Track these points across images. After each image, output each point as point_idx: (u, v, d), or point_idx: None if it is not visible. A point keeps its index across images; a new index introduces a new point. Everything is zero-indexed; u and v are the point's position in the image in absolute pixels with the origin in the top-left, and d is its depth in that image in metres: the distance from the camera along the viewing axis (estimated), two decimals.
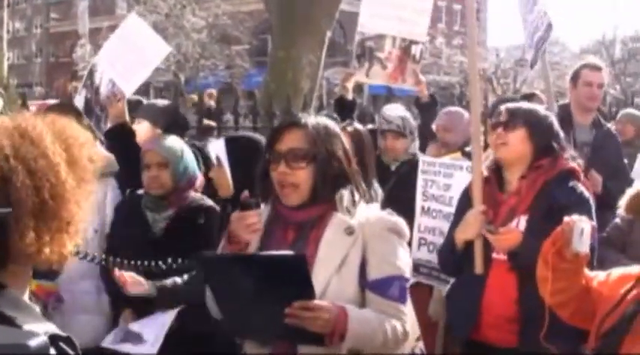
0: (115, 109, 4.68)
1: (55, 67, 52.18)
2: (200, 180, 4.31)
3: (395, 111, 5.90)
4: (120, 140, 4.60)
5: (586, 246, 2.90)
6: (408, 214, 4.96)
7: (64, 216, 1.66)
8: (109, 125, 4.85)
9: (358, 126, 4.93)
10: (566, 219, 2.99)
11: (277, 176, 2.80)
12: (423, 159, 5.22)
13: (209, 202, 4.17)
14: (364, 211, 2.85)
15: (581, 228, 2.89)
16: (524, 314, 3.49)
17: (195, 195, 4.19)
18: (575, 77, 5.59)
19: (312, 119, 2.87)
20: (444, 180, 4.79)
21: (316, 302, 2.56)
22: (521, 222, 3.57)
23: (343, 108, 6.26)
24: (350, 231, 2.76)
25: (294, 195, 2.80)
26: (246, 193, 2.85)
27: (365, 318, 2.67)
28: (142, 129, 5.05)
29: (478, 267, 3.69)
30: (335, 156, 2.82)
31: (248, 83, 29.45)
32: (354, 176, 2.89)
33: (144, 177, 4.10)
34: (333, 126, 2.93)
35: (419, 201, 4.97)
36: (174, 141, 4.16)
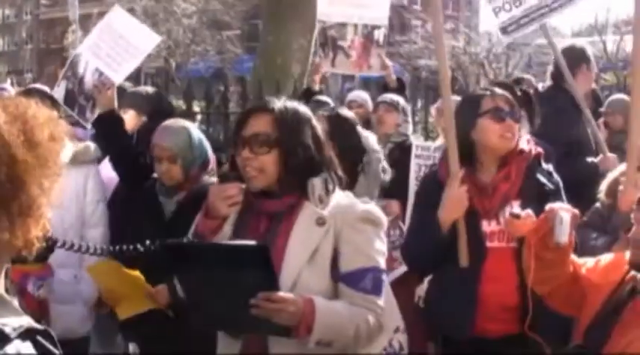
0: (104, 97, 4.62)
1: (45, 54, 51.93)
2: (212, 161, 4.21)
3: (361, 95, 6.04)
4: (109, 127, 4.54)
5: (566, 235, 2.87)
6: (403, 199, 4.99)
7: (24, 199, 1.58)
8: (96, 113, 4.78)
9: (342, 111, 4.91)
10: (547, 207, 2.95)
11: (241, 161, 2.75)
12: (417, 143, 5.21)
13: None
14: (338, 200, 2.78)
15: (561, 218, 2.85)
16: (529, 299, 3.30)
17: (208, 180, 4.07)
18: (589, 60, 5.52)
19: (280, 103, 2.80)
20: None
21: (281, 294, 2.51)
22: (515, 208, 3.43)
23: (310, 100, 6.24)
24: (321, 221, 2.70)
25: (258, 179, 2.73)
26: (226, 167, 2.81)
27: (334, 311, 2.61)
28: (128, 118, 5.00)
29: (463, 258, 3.55)
30: (302, 143, 2.74)
31: (239, 68, 29.32)
32: (327, 164, 2.81)
33: (156, 168, 4.07)
34: (304, 111, 2.85)
35: (412, 186, 4.93)
36: (180, 131, 4.06)
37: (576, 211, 2.97)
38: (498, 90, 3.69)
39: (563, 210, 2.90)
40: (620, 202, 3.80)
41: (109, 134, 4.51)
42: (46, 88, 5.03)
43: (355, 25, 6.33)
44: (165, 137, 4.04)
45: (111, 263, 3.76)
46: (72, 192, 4.17)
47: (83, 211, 4.25)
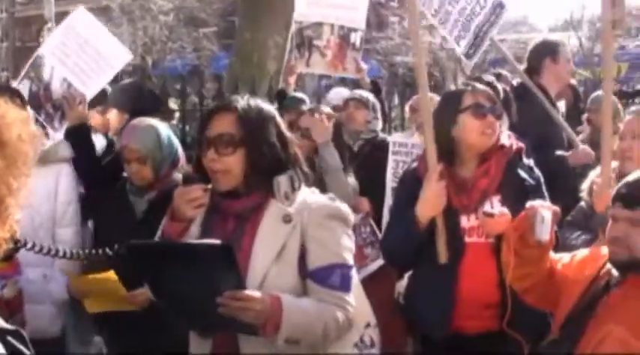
0: (75, 112, 4.47)
1: (21, 52, 51.33)
2: (182, 159, 4.16)
3: (342, 93, 6.04)
4: (77, 141, 4.44)
5: (547, 234, 2.86)
6: (374, 195, 4.99)
7: None
8: (64, 125, 4.62)
9: (327, 110, 5.00)
10: (528, 204, 2.94)
11: (207, 163, 2.74)
12: (394, 140, 5.23)
13: None
14: (305, 198, 2.77)
15: (542, 216, 2.85)
16: (508, 296, 3.32)
17: (179, 177, 4.06)
18: (554, 53, 5.55)
19: (243, 102, 2.78)
20: None
21: (247, 292, 2.50)
22: (494, 204, 3.46)
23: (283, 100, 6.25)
24: (287, 219, 2.70)
25: (224, 180, 2.73)
26: (189, 169, 2.80)
27: (302, 308, 2.61)
28: (112, 117, 4.95)
29: (442, 255, 3.53)
30: (267, 142, 2.73)
31: (216, 66, 29.20)
32: (293, 161, 2.80)
33: (126, 169, 4.03)
34: (268, 109, 2.85)
35: (389, 183, 4.95)
36: (148, 131, 4.00)
37: (557, 209, 2.96)
38: (479, 86, 3.67)
39: (544, 209, 2.89)
40: (595, 203, 3.79)
41: (76, 147, 4.40)
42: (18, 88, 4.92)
43: (332, 25, 6.32)
44: (133, 138, 3.99)
45: (84, 278, 3.75)
46: (43, 191, 4.09)
47: (54, 211, 4.17)
